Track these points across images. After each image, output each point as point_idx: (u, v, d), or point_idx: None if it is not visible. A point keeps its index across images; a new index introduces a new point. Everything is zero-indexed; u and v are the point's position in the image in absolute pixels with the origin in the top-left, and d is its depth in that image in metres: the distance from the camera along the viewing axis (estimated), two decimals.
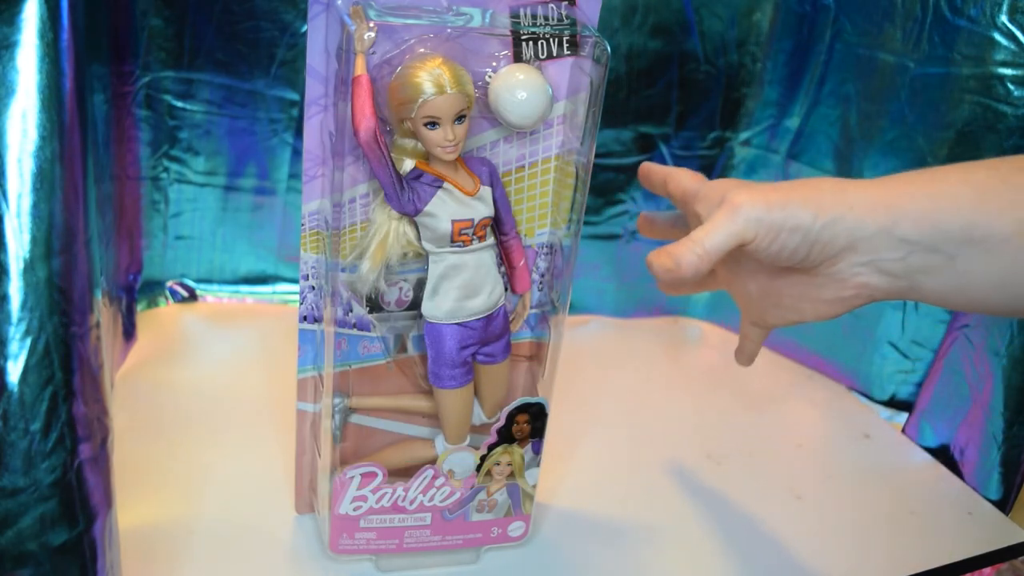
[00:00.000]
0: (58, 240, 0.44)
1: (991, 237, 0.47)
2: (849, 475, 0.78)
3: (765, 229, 0.50)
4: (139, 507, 0.63)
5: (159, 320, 0.87)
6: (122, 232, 0.80)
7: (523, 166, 0.56)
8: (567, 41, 0.53)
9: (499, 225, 0.56)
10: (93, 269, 0.47)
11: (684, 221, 0.59)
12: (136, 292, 0.86)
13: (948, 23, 0.75)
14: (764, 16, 0.86)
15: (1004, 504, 0.75)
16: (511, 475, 0.61)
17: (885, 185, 0.50)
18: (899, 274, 0.50)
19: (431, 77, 0.50)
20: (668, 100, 0.88)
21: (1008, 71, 0.73)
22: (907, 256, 0.49)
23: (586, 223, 0.88)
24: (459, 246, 0.54)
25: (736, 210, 0.50)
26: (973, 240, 0.48)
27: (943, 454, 0.80)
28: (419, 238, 0.54)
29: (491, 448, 0.60)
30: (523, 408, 0.59)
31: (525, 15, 0.52)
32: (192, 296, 0.91)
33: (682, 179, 0.57)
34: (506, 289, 0.58)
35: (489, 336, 0.57)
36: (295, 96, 0.83)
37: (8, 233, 0.43)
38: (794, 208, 0.50)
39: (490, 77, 0.52)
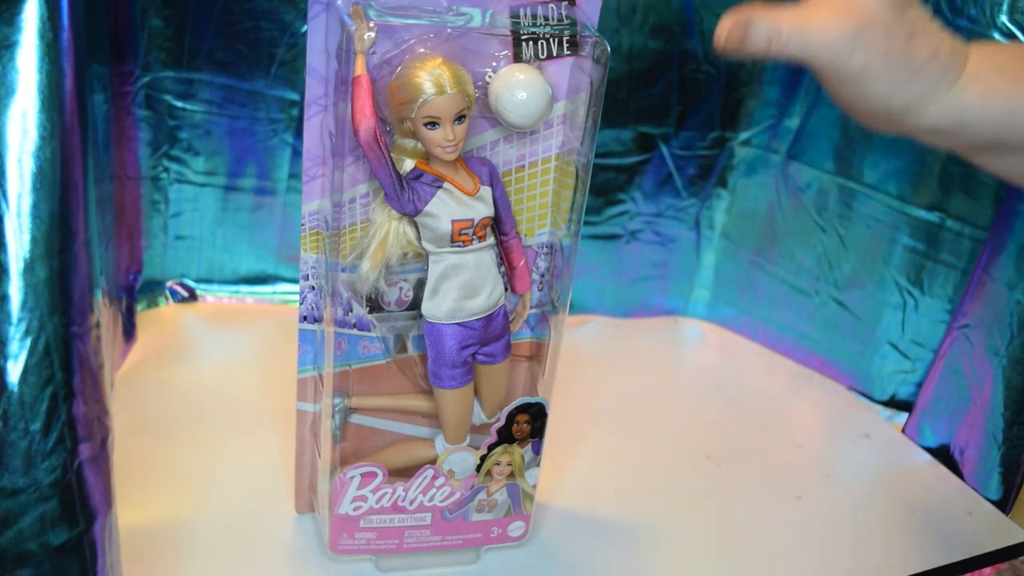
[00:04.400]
0: (58, 240, 0.44)
1: None
2: (849, 475, 0.78)
3: (848, 71, 0.48)
4: (139, 507, 0.63)
5: (159, 320, 0.87)
6: (122, 232, 0.80)
7: (523, 166, 0.56)
8: (567, 41, 0.53)
9: (499, 225, 0.56)
10: (93, 269, 0.47)
11: None
12: (136, 292, 0.86)
13: (948, 23, 0.74)
14: None
15: (1004, 504, 0.75)
16: (511, 475, 0.61)
17: (969, 88, 0.49)
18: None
19: (431, 77, 0.50)
20: (668, 100, 0.88)
21: None
22: (954, 144, 0.50)
23: (586, 223, 0.88)
24: (459, 246, 0.54)
25: (837, 30, 0.47)
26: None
27: (943, 454, 0.80)
28: (419, 238, 0.54)
29: (491, 448, 0.60)
30: (523, 408, 0.59)
31: (525, 15, 0.52)
32: (192, 296, 0.91)
33: None
34: (506, 289, 0.58)
35: (489, 336, 0.57)
36: (295, 96, 0.83)
37: (8, 233, 0.43)
38: (885, 82, 0.48)
39: (490, 77, 0.52)
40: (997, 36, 0.72)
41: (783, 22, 0.48)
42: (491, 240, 0.56)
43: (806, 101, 0.86)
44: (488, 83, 0.52)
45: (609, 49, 0.52)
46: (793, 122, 0.87)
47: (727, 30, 0.48)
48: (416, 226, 0.54)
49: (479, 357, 0.58)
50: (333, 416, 0.58)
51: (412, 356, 0.59)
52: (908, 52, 0.48)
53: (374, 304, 0.56)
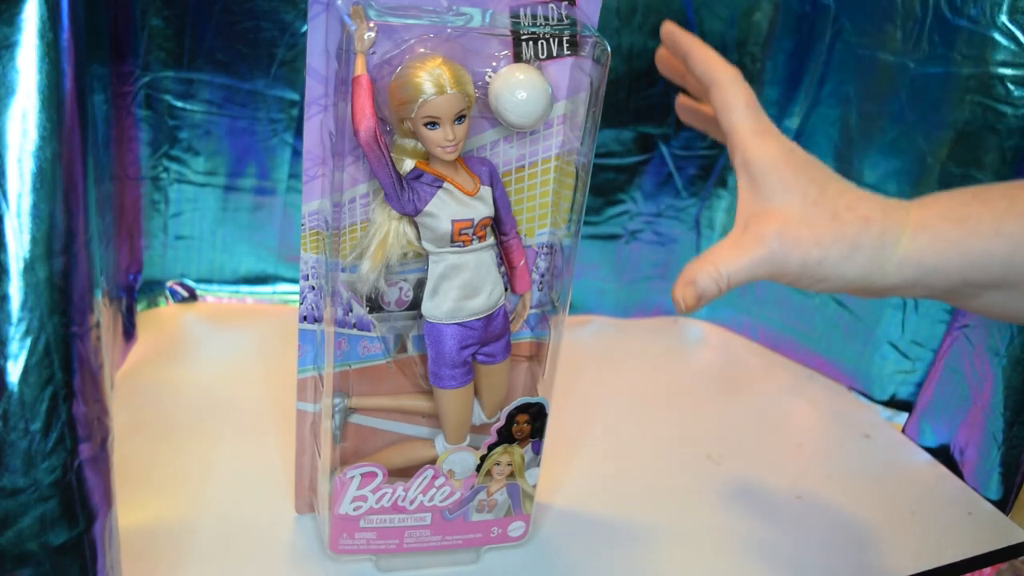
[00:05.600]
0: (58, 240, 0.44)
1: (1019, 285, 0.48)
2: (849, 475, 0.78)
3: (794, 272, 0.48)
4: (139, 507, 0.63)
5: (159, 320, 0.87)
6: (122, 232, 0.80)
7: (523, 166, 0.56)
8: (567, 41, 0.53)
9: (499, 225, 0.56)
10: (93, 269, 0.47)
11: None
12: (136, 292, 0.86)
13: (948, 23, 0.75)
14: (764, 16, 0.86)
15: (1004, 504, 0.75)
16: (511, 475, 0.61)
17: (919, 238, 0.48)
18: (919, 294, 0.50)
19: (431, 77, 0.50)
20: (668, 100, 0.87)
21: (1008, 71, 0.73)
22: (931, 294, 0.49)
23: (586, 223, 0.88)
24: (459, 246, 0.54)
25: (763, 245, 0.48)
26: (1001, 287, 0.48)
27: (943, 454, 0.80)
28: (419, 238, 0.54)
29: (491, 448, 0.60)
30: (523, 408, 0.59)
31: (525, 15, 0.52)
32: (192, 296, 0.91)
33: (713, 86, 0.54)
34: (506, 289, 0.58)
35: (489, 336, 0.57)
36: (295, 96, 0.83)
37: (8, 233, 0.43)
38: (830, 264, 0.48)
39: (490, 77, 0.52)
40: (997, 36, 0.72)
41: (718, 263, 0.48)
42: (491, 240, 0.56)
43: (806, 101, 0.86)
44: (488, 83, 0.52)
45: (609, 49, 0.53)
46: (793, 122, 0.87)
47: (680, 299, 0.49)
48: (416, 226, 0.54)
49: (479, 357, 0.58)
50: (333, 416, 0.58)
51: (412, 356, 0.59)
52: (838, 230, 0.48)
53: (374, 304, 0.56)
